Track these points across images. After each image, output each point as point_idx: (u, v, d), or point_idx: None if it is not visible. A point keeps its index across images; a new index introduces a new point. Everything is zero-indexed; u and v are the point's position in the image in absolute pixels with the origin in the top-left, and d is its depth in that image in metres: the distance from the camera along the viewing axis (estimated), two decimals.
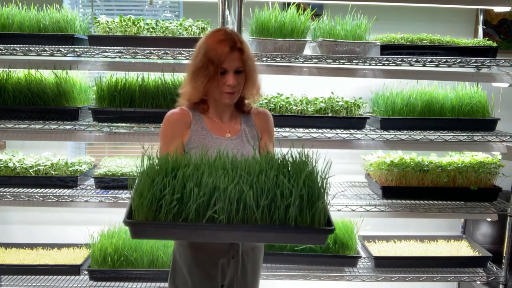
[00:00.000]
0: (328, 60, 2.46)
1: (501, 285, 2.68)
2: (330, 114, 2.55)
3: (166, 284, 2.05)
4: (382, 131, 2.51)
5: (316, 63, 2.48)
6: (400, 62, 2.49)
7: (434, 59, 2.49)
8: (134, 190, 1.47)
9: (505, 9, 2.65)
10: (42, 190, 2.53)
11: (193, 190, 1.42)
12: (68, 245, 2.82)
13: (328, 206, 1.50)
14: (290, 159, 1.52)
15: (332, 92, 2.66)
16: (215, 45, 1.70)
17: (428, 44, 2.55)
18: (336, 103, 2.57)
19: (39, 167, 2.58)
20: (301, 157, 1.51)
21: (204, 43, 1.74)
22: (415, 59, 2.49)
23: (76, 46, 2.41)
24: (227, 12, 2.47)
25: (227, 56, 1.69)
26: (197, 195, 1.42)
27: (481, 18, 2.97)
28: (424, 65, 2.52)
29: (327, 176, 1.48)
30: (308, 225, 1.44)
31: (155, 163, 1.50)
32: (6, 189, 2.51)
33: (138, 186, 1.46)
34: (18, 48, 2.37)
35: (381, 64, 2.50)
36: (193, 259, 1.76)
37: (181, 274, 1.79)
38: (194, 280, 1.77)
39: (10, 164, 2.58)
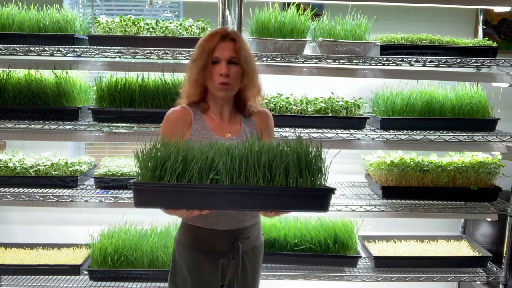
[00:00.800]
0: (328, 60, 2.46)
1: (501, 285, 2.68)
2: (330, 114, 2.55)
3: (166, 284, 2.05)
4: (382, 131, 2.51)
5: (316, 63, 2.48)
6: (400, 62, 2.49)
7: (434, 59, 2.49)
8: (139, 157, 1.50)
9: (505, 9, 2.65)
10: (42, 190, 2.52)
11: (196, 153, 1.46)
12: (68, 245, 2.81)
13: (326, 178, 1.53)
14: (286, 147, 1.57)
15: (332, 92, 2.66)
16: (208, 36, 1.75)
17: (428, 44, 2.55)
18: (336, 103, 2.57)
19: (39, 167, 2.58)
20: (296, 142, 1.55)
21: (201, 38, 1.78)
22: (415, 59, 2.49)
23: (76, 46, 2.40)
24: (227, 12, 2.47)
25: (218, 44, 1.72)
26: (200, 154, 1.45)
27: (481, 18, 2.97)
28: (424, 65, 2.52)
29: (321, 148, 1.51)
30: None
31: (158, 145, 1.54)
32: (6, 189, 2.51)
33: (143, 155, 1.49)
34: (18, 48, 2.37)
35: (381, 64, 2.50)
36: (193, 259, 1.77)
37: (181, 274, 1.79)
38: (194, 280, 1.77)
39: (10, 164, 2.57)
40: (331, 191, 1.50)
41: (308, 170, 1.47)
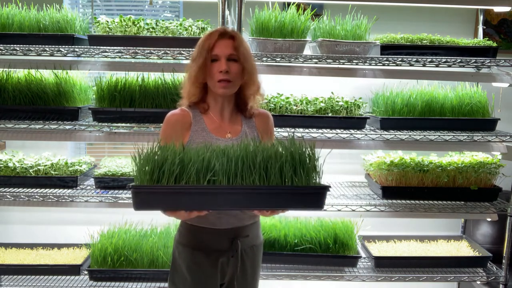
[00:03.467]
0: (328, 60, 2.46)
1: (501, 285, 2.68)
2: (330, 114, 2.55)
3: (166, 284, 2.05)
4: (382, 131, 2.51)
5: (316, 63, 2.48)
6: (400, 62, 2.49)
7: (434, 59, 2.49)
8: (136, 160, 1.51)
9: (505, 9, 2.65)
10: (42, 190, 2.52)
11: (193, 155, 1.48)
12: (68, 245, 2.81)
13: (321, 176, 1.55)
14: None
15: (332, 92, 2.66)
16: (207, 35, 1.76)
17: (428, 44, 2.55)
18: (336, 103, 2.57)
19: (39, 167, 2.58)
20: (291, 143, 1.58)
21: (201, 38, 1.79)
22: (415, 59, 2.49)
23: (76, 46, 2.40)
24: (227, 12, 2.47)
25: (217, 42, 1.73)
26: (197, 155, 1.48)
27: (481, 18, 2.97)
28: (424, 65, 2.52)
29: (314, 147, 1.54)
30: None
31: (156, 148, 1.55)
32: (6, 189, 2.51)
33: (140, 158, 1.51)
34: (18, 48, 2.37)
35: (381, 64, 2.50)
36: (192, 258, 1.77)
37: (181, 273, 1.80)
38: (194, 279, 1.77)
39: (10, 164, 2.57)
40: (326, 188, 1.52)
41: (303, 169, 1.49)
